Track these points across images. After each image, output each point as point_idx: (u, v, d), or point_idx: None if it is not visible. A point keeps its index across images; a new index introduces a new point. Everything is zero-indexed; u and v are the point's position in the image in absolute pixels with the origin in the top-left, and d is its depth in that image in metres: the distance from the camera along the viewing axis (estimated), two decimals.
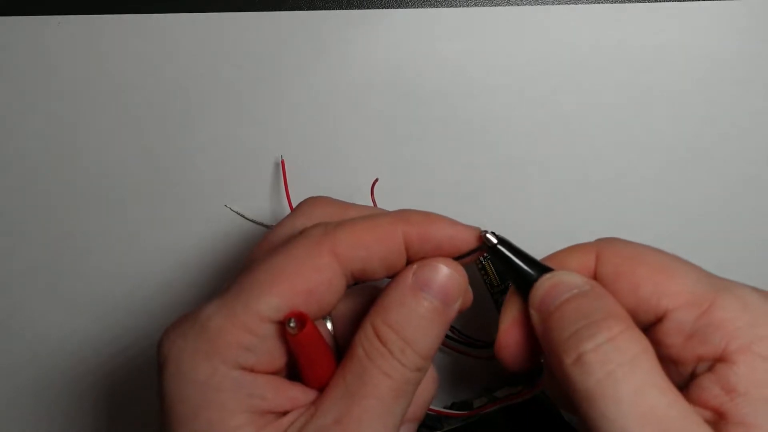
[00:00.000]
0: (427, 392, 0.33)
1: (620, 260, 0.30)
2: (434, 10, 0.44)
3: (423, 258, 0.31)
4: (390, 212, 0.32)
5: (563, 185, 0.44)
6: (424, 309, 0.29)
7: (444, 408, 0.43)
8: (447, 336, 0.42)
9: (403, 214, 0.32)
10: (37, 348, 0.45)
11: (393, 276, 0.31)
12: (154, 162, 0.44)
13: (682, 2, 0.44)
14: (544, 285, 0.30)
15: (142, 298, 0.45)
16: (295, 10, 0.44)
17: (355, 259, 0.30)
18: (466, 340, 0.42)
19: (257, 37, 0.44)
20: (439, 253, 0.31)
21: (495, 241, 0.30)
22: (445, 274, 0.30)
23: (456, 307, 0.30)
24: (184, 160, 0.44)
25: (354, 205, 0.34)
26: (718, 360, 0.28)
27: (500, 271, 0.41)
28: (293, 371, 0.32)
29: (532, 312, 0.30)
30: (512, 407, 0.39)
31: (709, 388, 0.28)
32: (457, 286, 0.30)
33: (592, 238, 0.32)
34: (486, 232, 0.30)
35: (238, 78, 0.44)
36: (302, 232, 0.31)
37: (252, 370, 0.30)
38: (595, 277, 0.30)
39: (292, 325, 0.29)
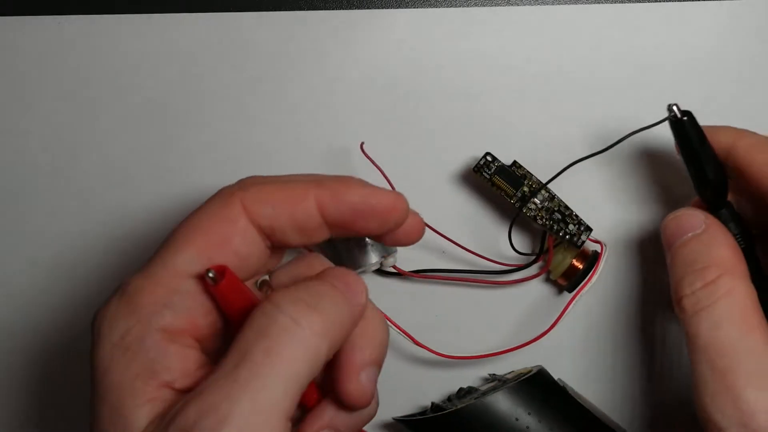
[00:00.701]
0: (377, 332, 0.32)
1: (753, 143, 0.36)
2: (435, 10, 0.44)
3: (342, 225, 0.31)
4: (304, 173, 0.33)
5: (563, 185, 0.42)
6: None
7: (451, 394, 0.42)
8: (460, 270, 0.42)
9: (317, 177, 0.32)
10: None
11: (312, 245, 0.32)
12: (154, 162, 0.44)
13: (682, 2, 0.44)
14: (670, 224, 0.36)
15: None
16: (295, 10, 0.44)
17: (263, 215, 0.30)
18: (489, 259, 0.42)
19: (257, 38, 0.44)
20: (358, 217, 0.31)
21: (680, 115, 0.35)
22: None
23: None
24: (185, 160, 0.44)
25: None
26: None
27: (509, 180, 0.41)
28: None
29: (663, 241, 0.36)
30: (516, 386, 0.39)
31: None
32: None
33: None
34: (673, 104, 0.35)
35: (238, 78, 0.44)
36: (218, 191, 0.32)
37: (173, 334, 0.29)
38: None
39: (211, 275, 0.28)
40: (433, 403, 0.42)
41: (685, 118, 0.35)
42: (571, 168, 0.40)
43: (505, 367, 0.42)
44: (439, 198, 0.43)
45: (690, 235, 0.35)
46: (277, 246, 0.32)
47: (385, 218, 0.31)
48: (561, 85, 0.43)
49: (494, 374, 0.42)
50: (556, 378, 0.41)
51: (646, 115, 0.37)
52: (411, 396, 0.43)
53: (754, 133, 0.37)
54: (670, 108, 0.35)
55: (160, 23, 0.44)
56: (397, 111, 0.44)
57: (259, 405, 0.26)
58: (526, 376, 0.39)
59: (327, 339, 0.28)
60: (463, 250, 0.41)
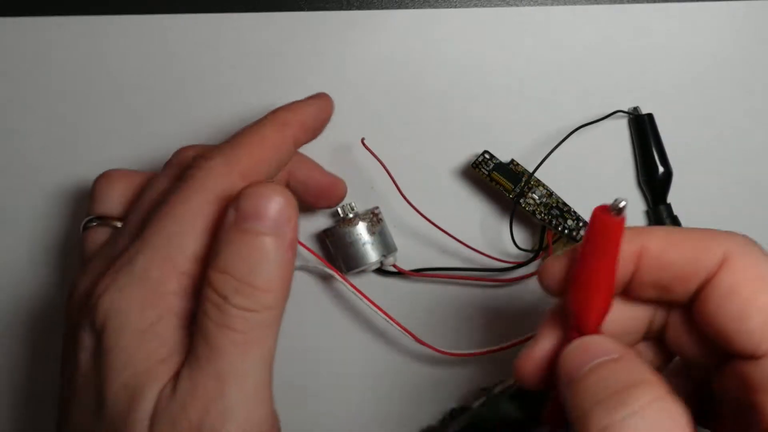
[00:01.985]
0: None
1: (744, 278, 0.27)
2: (434, 10, 0.44)
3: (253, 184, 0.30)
4: (264, 121, 0.35)
5: (563, 185, 0.43)
6: (253, 241, 0.28)
7: (443, 415, 0.42)
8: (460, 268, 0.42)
9: (278, 118, 0.35)
10: None
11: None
12: (154, 163, 0.44)
13: (681, 3, 0.44)
14: (572, 352, 0.27)
15: None
16: (294, 10, 0.44)
17: (260, 175, 0.32)
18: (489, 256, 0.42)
19: (257, 38, 0.44)
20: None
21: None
22: (265, 196, 0.28)
23: (291, 226, 0.29)
24: None
25: (151, 173, 0.36)
26: None
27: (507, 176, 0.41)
28: None
29: (560, 376, 0.27)
30: (508, 399, 0.38)
31: None
32: (280, 206, 0.28)
33: None
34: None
35: (238, 79, 0.44)
36: (198, 167, 0.31)
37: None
38: (710, 279, 0.27)
39: (622, 204, 0.25)
40: (428, 427, 0.42)
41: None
42: (567, 165, 0.40)
43: (506, 364, 0.42)
44: (438, 196, 0.43)
45: (605, 357, 0.26)
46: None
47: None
48: (560, 85, 0.44)
49: (485, 387, 0.41)
50: None
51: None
52: (411, 394, 0.43)
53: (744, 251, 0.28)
54: (631, 108, 0.42)
55: (160, 24, 0.44)
56: (397, 111, 0.44)
57: (248, 392, 0.27)
58: (515, 386, 0.39)
59: (271, 305, 0.28)
60: (463, 248, 0.41)
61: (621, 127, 0.43)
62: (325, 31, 0.44)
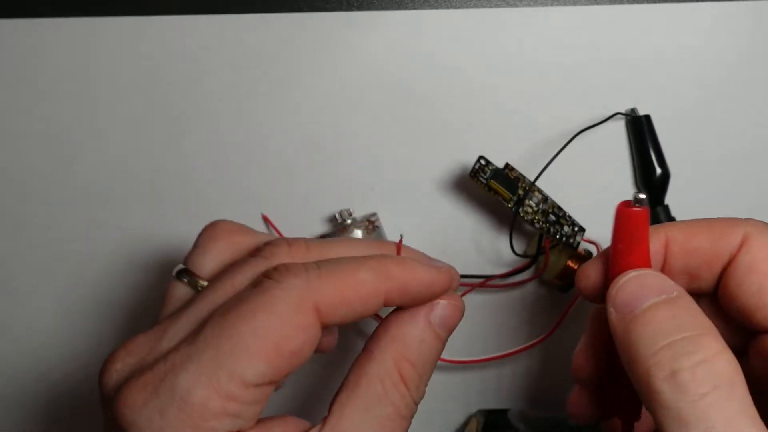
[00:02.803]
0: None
1: (764, 255, 0.28)
2: (434, 11, 0.44)
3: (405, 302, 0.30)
4: (369, 262, 0.30)
5: (563, 184, 0.43)
6: (439, 346, 0.30)
7: None
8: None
9: (384, 268, 0.30)
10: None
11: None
12: (154, 164, 0.44)
13: (681, 3, 0.43)
14: (631, 282, 0.27)
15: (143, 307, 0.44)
16: (295, 11, 0.44)
17: (336, 317, 0.29)
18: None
19: (257, 39, 0.44)
20: (417, 302, 0.30)
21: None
22: (460, 312, 0.30)
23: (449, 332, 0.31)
24: (184, 162, 0.44)
25: (259, 233, 0.33)
26: None
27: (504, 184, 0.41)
28: None
29: (611, 310, 0.27)
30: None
31: None
32: (460, 320, 0.31)
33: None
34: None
35: (238, 80, 0.44)
36: (276, 280, 0.28)
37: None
38: (731, 261, 0.28)
39: (642, 196, 0.27)
40: None
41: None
42: (564, 168, 0.41)
43: (503, 372, 0.43)
44: (433, 199, 0.44)
45: (664, 296, 0.27)
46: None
47: (432, 298, 0.31)
48: (558, 86, 0.43)
49: None
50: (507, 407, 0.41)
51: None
52: None
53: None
54: (629, 110, 0.42)
55: (161, 25, 0.44)
56: (395, 112, 0.44)
57: None
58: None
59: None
60: (461, 254, 0.42)
61: (618, 129, 0.43)
62: (324, 33, 0.44)
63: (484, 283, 0.42)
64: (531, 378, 0.44)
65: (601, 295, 0.29)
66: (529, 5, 0.44)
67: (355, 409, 0.28)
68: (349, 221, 0.41)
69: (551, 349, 0.43)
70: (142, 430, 0.26)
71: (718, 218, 0.29)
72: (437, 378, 0.43)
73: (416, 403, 0.29)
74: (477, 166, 0.40)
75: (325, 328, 0.29)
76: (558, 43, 0.44)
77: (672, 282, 0.27)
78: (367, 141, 0.43)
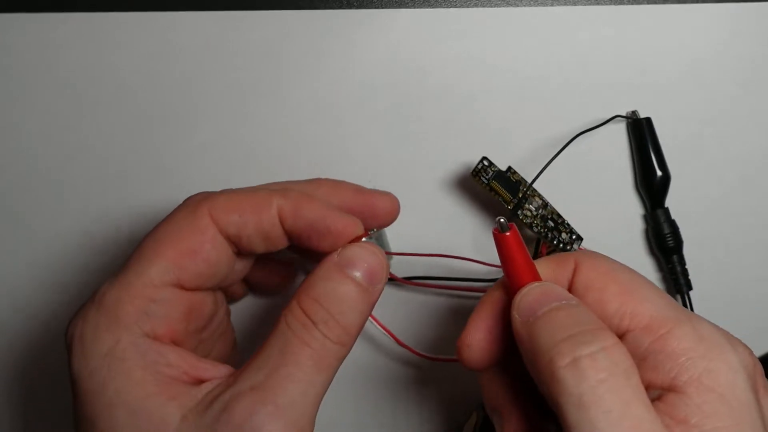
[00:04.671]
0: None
1: (595, 275, 0.31)
2: (435, 10, 0.44)
3: (299, 238, 0.33)
4: (270, 185, 0.35)
5: (560, 190, 0.43)
6: (349, 285, 0.31)
7: None
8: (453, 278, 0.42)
9: (284, 186, 0.34)
10: None
11: (272, 252, 0.34)
12: (155, 162, 0.44)
13: (681, 4, 0.43)
14: (534, 291, 0.30)
15: None
16: (296, 9, 0.44)
17: (230, 223, 0.32)
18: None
19: (258, 37, 0.44)
20: (313, 233, 0.33)
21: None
22: (371, 253, 0.32)
23: (380, 287, 0.32)
24: (186, 159, 0.44)
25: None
26: (668, 389, 0.28)
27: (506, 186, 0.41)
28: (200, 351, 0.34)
29: (515, 315, 0.30)
30: None
31: (660, 417, 0.27)
32: (380, 267, 0.32)
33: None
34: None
35: (239, 77, 0.44)
36: (184, 201, 0.34)
37: (155, 338, 0.31)
38: (570, 286, 0.31)
39: (502, 220, 0.31)
40: None
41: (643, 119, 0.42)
42: (565, 170, 0.41)
43: None
44: (433, 199, 0.44)
45: (564, 302, 0.29)
46: (243, 252, 0.34)
47: (337, 241, 0.33)
48: (558, 87, 0.43)
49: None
50: None
51: (646, 115, 0.39)
52: (394, 397, 0.44)
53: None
54: (629, 113, 0.42)
55: (162, 21, 0.44)
56: (396, 111, 0.44)
57: (308, 400, 0.30)
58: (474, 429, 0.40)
59: (346, 343, 0.31)
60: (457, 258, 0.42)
61: (619, 131, 0.43)
62: (326, 31, 0.44)
63: (477, 287, 0.42)
64: None
65: (486, 357, 0.32)
66: (529, 5, 0.43)
67: (270, 348, 0.30)
68: None
69: None
70: (71, 336, 0.31)
71: (553, 254, 0.33)
72: (438, 375, 0.43)
73: (330, 339, 0.30)
74: (480, 167, 0.40)
75: (234, 246, 0.33)
76: (558, 43, 0.43)
77: (570, 294, 0.30)
78: (369, 139, 0.43)
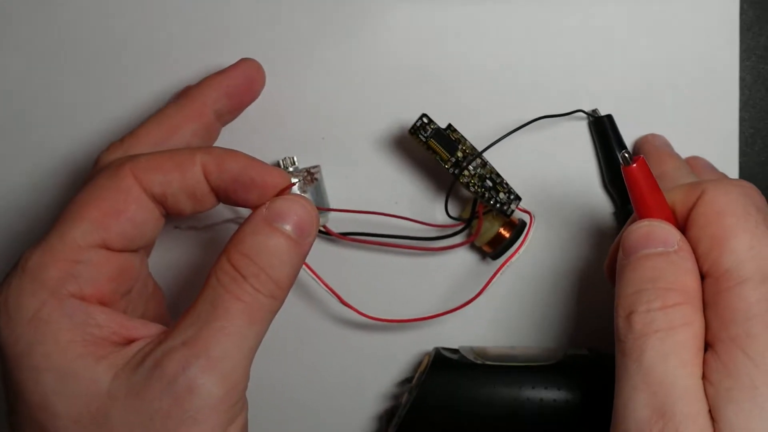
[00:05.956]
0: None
1: (706, 210, 0.31)
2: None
3: (226, 193, 0.33)
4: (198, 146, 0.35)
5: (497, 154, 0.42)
6: (278, 238, 0.31)
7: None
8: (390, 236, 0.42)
9: (206, 146, 0.35)
10: None
11: (201, 212, 0.34)
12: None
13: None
14: (639, 231, 0.31)
15: None
16: None
17: (154, 182, 0.32)
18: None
19: (258, 32, 0.43)
20: (239, 186, 0.33)
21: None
22: (300, 206, 0.32)
23: (310, 240, 0.32)
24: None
25: None
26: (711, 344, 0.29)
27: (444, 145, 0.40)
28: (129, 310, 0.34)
29: (619, 251, 0.32)
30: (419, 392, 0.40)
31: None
32: (310, 219, 0.32)
33: None
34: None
35: (241, 43, 0.43)
36: (106, 163, 0.34)
37: (82, 299, 0.30)
38: (688, 216, 0.32)
39: (626, 155, 0.31)
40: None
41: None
42: (507, 139, 0.40)
43: (428, 333, 0.43)
44: (378, 160, 0.43)
45: (660, 249, 0.31)
46: (171, 213, 0.34)
47: (263, 194, 0.33)
48: (526, 79, 0.43)
49: (405, 379, 0.43)
50: (457, 347, 0.41)
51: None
52: (336, 355, 0.43)
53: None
54: (591, 111, 0.42)
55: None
56: (400, 109, 0.43)
57: (243, 352, 0.30)
58: (425, 370, 0.39)
59: (278, 296, 0.31)
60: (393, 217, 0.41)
61: (582, 127, 0.43)
62: (326, 28, 0.43)
63: (414, 246, 0.42)
64: (458, 341, 0.43)
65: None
66: None
67: (201, 304, 0.30)
68: (291, 169, 0.41)
69: (477, 313, 0.42)
70: (2, 307, 0.30)
71: (687, 183, 0.34)
72: (380, 330, 0.43)
73: (261, 292, 0.30)
74: (418, 123, 0.39)
75: (161, 207, 0.33)
76: (526, 36, 0.43)
77: (678, 236, 0.31)
78: (369, 137, 0.43)
